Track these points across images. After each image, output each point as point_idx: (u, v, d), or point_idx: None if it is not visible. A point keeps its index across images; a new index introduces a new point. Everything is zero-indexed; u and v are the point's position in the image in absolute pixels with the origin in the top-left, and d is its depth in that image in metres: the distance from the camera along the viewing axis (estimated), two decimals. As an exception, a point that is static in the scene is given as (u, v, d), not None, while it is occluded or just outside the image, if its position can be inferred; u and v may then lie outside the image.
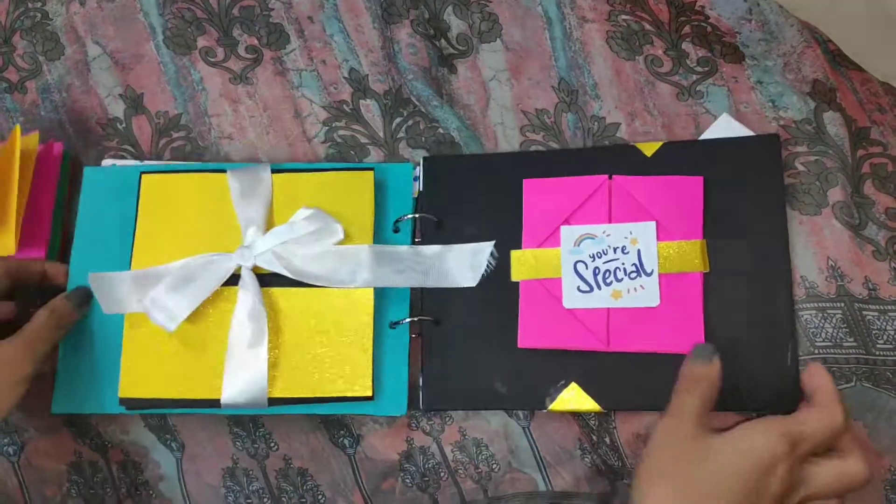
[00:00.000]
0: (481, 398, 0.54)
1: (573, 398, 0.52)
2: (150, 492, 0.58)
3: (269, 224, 0.56)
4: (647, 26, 0.60)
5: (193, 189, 0.58)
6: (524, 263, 0.55)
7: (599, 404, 0.52)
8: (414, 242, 0.57)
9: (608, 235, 0.53)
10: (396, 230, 0.57)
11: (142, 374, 0.55)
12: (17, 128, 0.58)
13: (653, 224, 0.53)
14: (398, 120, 0.61)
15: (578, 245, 0.54)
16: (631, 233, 0.53)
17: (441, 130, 0.60)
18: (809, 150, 0.55)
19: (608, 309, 0.53)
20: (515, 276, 0.55)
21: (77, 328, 0.57)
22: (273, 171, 0.58)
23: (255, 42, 0.64)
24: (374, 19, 0.63)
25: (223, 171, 0.58)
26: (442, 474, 0.56)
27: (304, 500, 0.56)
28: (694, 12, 0.60)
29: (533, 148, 0.59)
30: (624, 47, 0.60)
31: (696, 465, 0.42)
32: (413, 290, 0.56)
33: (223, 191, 0.57)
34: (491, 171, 0.57)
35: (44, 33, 0.65)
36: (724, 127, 0.56)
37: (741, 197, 0.53)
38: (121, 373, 0.55)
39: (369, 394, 0.54)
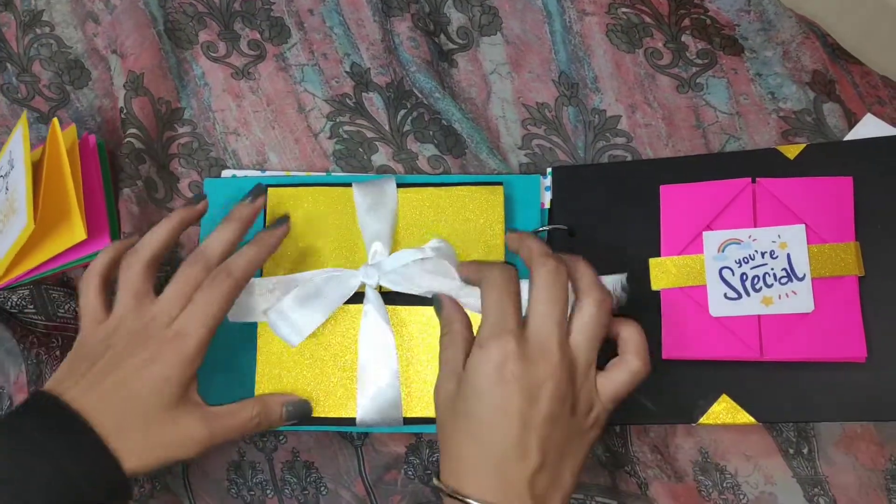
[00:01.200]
0: (626, 412, 0.51)
1: (725, 411, 0.50)
2: (156, 485, 0.58)
3: (394, 239, 0.56)
4: (647, 19, 0.60)
5: (318, 203, 0.57)
6: (665, 272, 0.53)
7: (754, 417, 0.50)
8: None
9: (754, 240, 0.51)
10: None
11: (276, 390, 0.55)
12: (56, 121, 0.58)
13: (802, 227, 0.51)
14: (402, 112, 0.61)
15: (723, 251, 0.52)
16: (779, 237, 0.51)
17: (444, 122, 0.60)
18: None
19: (759, 316, 0.50)
20: (655, 284, 0.53)
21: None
22: (397, 186, 0.57)
23: (258, 36, 0.64)
24: (374, 12, 0.63)
25: (347, 184, 0.57)
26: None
27: (306, 491, 0.57)
28: (693, 5, 0.60)
29: (535, 142, 0.59)
30: (624, 40, 0.60)
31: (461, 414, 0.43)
32: None
33: (347, 204, 0.57)
34: (623, 178, 0.56)
35: (66, 62, 0.66)
36: (869, 126, 0.54)
37: (893, 197, 0.51)
38: (255, 390, 0.55)
39: None
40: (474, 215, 0.56)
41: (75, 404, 0.45)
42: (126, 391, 0.46)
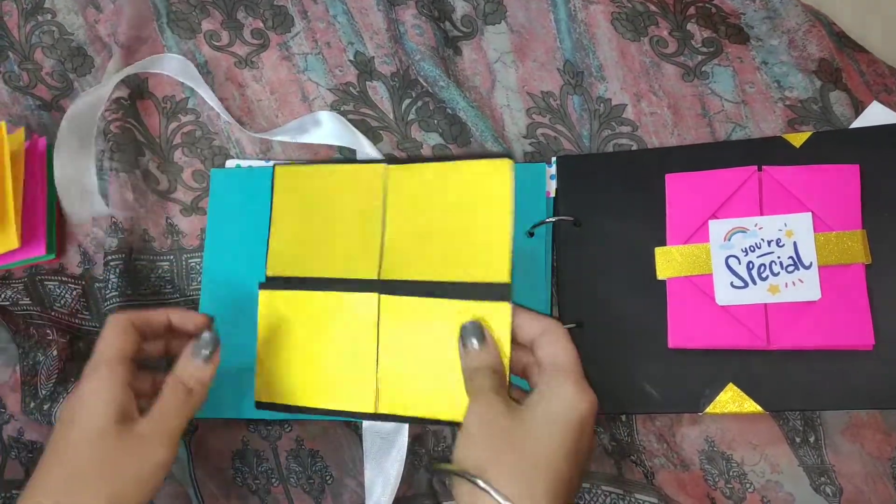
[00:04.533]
0: (630, 401, 0.52)
1: (731, 400, 0.50)
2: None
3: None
4: (652, 7, 0.60)
5: (327, 181, 0.56)
6: (671, 261, 0.53)
7: (761, 405, 0.50)
8: (551, 246, 0.56)
9: (760, 228, 0.51)
10: (531, 234, 0.56)
11: (276, 379, 0.54)
12: (2, 125, 0.58)
13: (809, 215, 0.50)
14: (407, 101, 0.61)
15: (729, 239, 0.51)
16: (786, 225, 0.51)
17: (449, 111, 0.60)
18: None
19: (765, 304, 0.50)
20: (661, 273, 0.53)
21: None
22: (394, 163, 0.55)
23: (261, 25, 0.64)
24: (377, 1, 0.63)
25: (353, 161, 0.56)
26: (449, 457, 0.56)
27: (311, 480, 0.56)
28: (699, -7, 0.60)
29: (540, 131, 0.59)
30: (629, 28, 0.60)
31: (520, 440, 0.43)
32: (553, 295, 0.55)
33: (355, 183, 0.55)
34: (629, 167, 0.56)
35: (69, 50, 0.65)
36: (876, 114, 0.54)
37: None
38: (256, 377, 0.55)
39: None
40: (479, 194, 0.51)
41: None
42: (65, 462, 0.44)
